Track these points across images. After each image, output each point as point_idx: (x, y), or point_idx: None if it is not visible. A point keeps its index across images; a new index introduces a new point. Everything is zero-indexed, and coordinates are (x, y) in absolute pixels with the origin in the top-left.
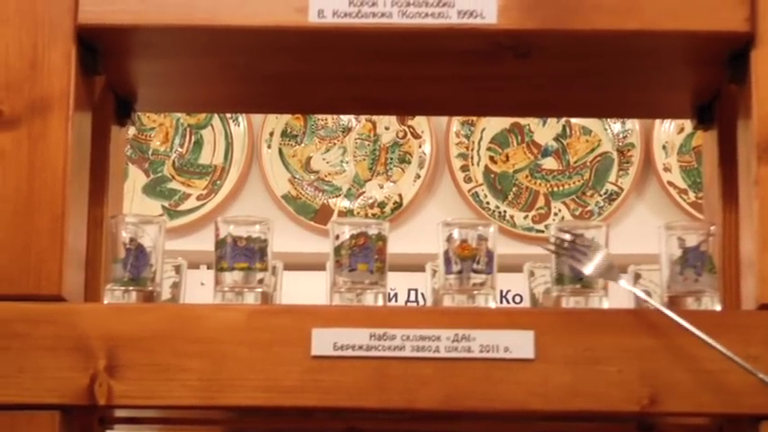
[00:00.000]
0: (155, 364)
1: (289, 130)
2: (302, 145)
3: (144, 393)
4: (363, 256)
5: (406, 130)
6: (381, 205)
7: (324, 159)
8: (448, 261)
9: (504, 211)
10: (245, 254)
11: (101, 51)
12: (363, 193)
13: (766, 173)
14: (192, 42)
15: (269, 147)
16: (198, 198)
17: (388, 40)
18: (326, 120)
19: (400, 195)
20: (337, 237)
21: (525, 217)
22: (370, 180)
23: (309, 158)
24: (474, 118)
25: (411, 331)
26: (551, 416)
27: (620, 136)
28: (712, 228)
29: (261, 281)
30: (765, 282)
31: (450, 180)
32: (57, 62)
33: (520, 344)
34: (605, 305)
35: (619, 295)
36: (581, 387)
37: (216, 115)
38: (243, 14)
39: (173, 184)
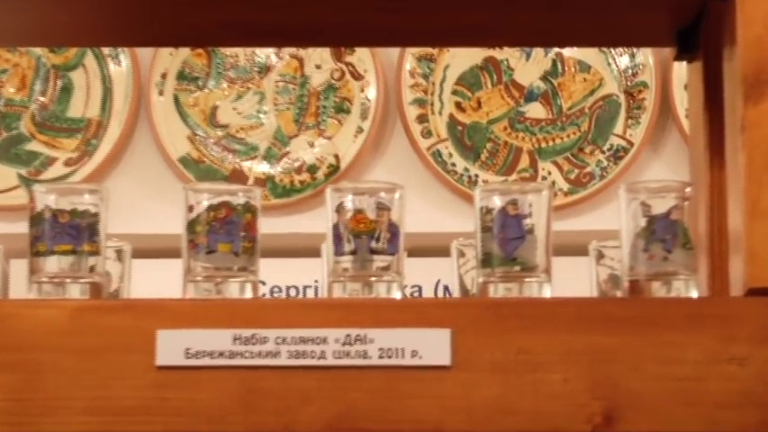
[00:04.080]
0: None
1: (187, 71)
2: (206, 90)
3: None
4: (226, 233)
5: (344, 68)
6: (312, 169)
7: (235, 109)
8: (338, 239)
9: (476, 175)
10: (68, 233)
11: None
12: (288, 153)
13: (755, 116)
14: None
15: (161, 93)
16: (66, 163)
17: None
18: (237, 56)
19: (337, 156)
20: (191, 208)
21: (504, 182)
22: (296, 136)
23: (215, 108)
24: (434, 52)
25: (288, 332)
26: None
27: (629, 73)
28: (688, 189)
29: (92, 269)
30: (755, 259)
31: (402, 135)
32: None
33: (433, 346)
34: (547, 294)
35: (574, 280)
36: (514, 402)
37: (89, 52)
38: None
39: (33, 145)
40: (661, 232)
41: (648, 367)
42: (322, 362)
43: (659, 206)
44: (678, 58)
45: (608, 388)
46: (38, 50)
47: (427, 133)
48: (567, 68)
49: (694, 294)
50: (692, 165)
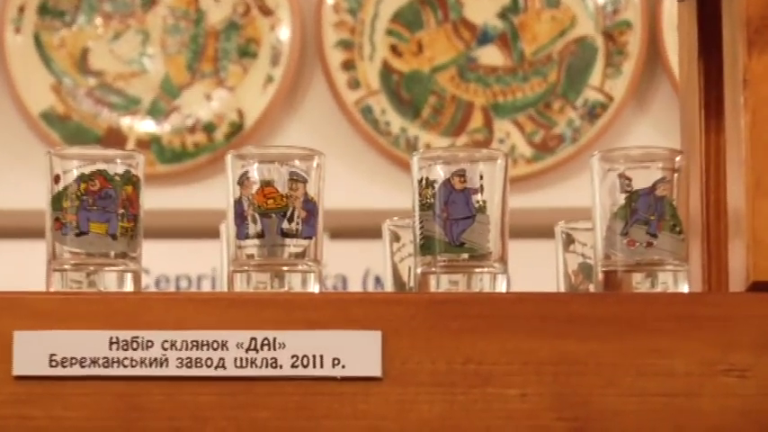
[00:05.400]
0: None
1: (51, 4)
2: (74, 28)
3: None
4: (100, 210)
5: (250, 1)
6: (209, 128)
7: (111, 52)
8: (242, 218)
9: (416, 138)
10: None
11: None
12: (178, 108)
13: (761, 68)
14: None
15: (17, 31)
16: None
17: None
18: None
19: (240, 112)
20: (57, 178)
21: (450, 147)
22: (189, 86)
23: (86, 51)
24: None
25: (178, 334)
26: None
27: (608, 9)
28: (677, 158)
29: None
30: (760, 246)
31: (324, 86)
32: None
33: (359, 353)
34: (502, 288)
35: (536, 270)
36: (459, 422)
37: None
38: None
39: None
40: (644, 212)
41: (627, 380)
42: (221, 372)
43: (642, 179)
44: None
45: (576, 406)
46: None
47: (355, 84)
48: (530, 3)
49: (685, 289)
50: (683, 127)
